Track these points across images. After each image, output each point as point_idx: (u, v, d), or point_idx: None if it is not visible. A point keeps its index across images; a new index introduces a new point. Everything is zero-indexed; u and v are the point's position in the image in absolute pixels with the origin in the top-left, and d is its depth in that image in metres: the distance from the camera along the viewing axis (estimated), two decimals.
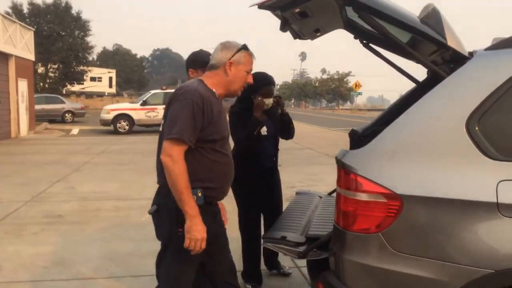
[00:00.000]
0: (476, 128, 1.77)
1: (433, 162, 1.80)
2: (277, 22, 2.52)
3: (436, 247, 1.75)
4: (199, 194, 2.12)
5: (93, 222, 5.30)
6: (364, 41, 2.87)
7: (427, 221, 1.77)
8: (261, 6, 2.10)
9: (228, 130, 2.35)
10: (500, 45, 1.90)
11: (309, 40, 2.96)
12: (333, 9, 2.24)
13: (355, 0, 1.92)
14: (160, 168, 2.15)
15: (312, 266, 2.23)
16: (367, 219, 1.85)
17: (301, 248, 2.15)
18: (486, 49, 1.94)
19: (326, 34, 3.00)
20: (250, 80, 2.32)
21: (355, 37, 2.90)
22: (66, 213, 5.73)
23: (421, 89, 2.87)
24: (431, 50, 2.43)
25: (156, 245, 2.34)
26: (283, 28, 2.48)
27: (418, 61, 2.81)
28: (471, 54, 2.04)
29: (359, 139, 3.08)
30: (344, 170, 1.93)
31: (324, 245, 2.11)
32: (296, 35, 2.80)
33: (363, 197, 1.85)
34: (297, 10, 2.22)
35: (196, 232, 2.03)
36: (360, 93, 46.50)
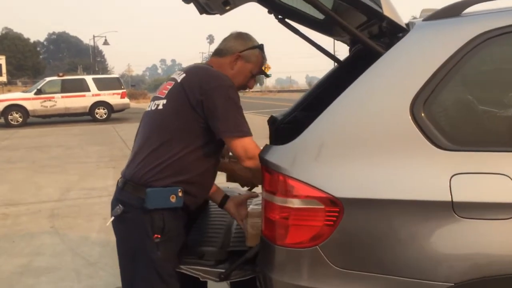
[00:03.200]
0: (422, 113, 1.49)
1: (375, 156, 1.49)
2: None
3: (384, 259, 1.45)
4: (179, 194, 1.79)
5: None
6: (280, 16, 2.53)
7: (372, 228, 1.46)
8: None
9: None
10: (441, 14, 1.62)
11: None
12: None
13: None
14: (134, 157, 1.85)
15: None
16: (301, 230, 1.50)
17: (221, 267, 1.75)
18: (426, 20, 1.66)
19: (236, 8, 2.58)
20: (251, 85, 2.08)
21: (269, 12, 2.54)
22: None
23: (346, 70, 2.59)
24: (358, 23, 2.13)
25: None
26: None
27: (344, 34, 2.54)
28: (408, 26, 1.75)
29: (279, 127, 2.75)
30: (269, 170, 1.55)
31: (251, 261, 1.74)
32: (202, 9, 2.36)
33: (294, 203, 1.49)
34: None
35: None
36: (269, 75, 47.00)
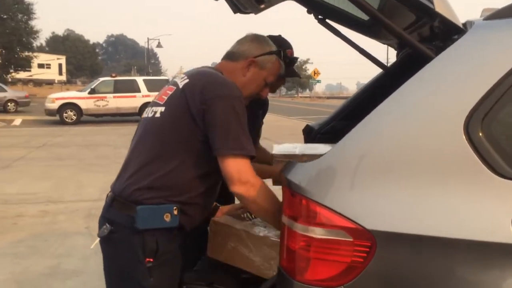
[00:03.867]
0: (480, 132, 1.21)
1: (419, 182, 1.23)
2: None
3: None
4: (175, 213, 1.57)
5: (9, 232, 4.50)
6: (320, 16, 2.30)
7: (412, 272, 1.20)
8: None
9: None
10: (507, 13, 1.34)
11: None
12: None
13: None
14: (125, 170, 1.64)
15: None
16: (324, 265, 1.27)
17: None
18: (487, 19, 1.38)
19: (272, 6, 2.37)
20: (265, 94, 1.86)
21: (309, 12, 2.32)
22: None
23: (391, 77, 2.32)
24: (407, 23, 1.87)
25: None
26: None
27: (390, 37, 2.27)
28: (465, 26, 1.48)
29: (316, 138, 2.51)
30: (291, 192, 1.33)
31: None
32: (236, 8, 2.18)
33: (317, 232, 1.26)
34: None
35: None
36: (319, 81, 46.35)
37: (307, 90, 76.16)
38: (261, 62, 1.74)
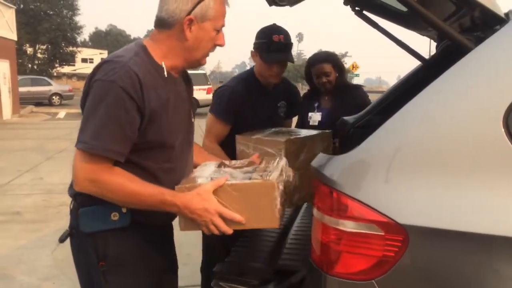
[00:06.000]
0: None
1: (454, 176, 1.20)
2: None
3: None
4: (123, 211, 1.44)
5: (53, 221, 4.70)
6: (357, 8, 2.26)
7: (445, 265, 1.17)
8: None
9: (185, 131, 1.60)
10: None
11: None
12: None
13: None
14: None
15: None
16: (355, 259, 1.26)
17: None
18: None
19: None
20: (221, 41, 1.51)
21: (345, 3, 2.28)
22: (25, 210, 5.13)
23: (430, 70, 2.26)
24: (446, 13, 1.81)
25: None
26: None
27: (430, 28, 2.20)
28: (507, 15, 1.42)
29: (350, 132, 2.48)
30: (322, 185, 1.32)
31: (296, 286, 1.52)
32: (271, 1, 2.17)
33: (348, 226, 1.25)
34: None
35: (196, 207, 1.36)
36: (357, 75, 45.36)
37: None
38: (199, 14, 1.41)
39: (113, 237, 1.45)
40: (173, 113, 1.49)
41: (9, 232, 4.35)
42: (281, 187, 1.45)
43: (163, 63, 1.46)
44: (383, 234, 1.21)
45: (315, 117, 2.71)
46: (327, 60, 2.72)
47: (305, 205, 2.28)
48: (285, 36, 2.33)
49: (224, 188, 1.39)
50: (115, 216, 1.44)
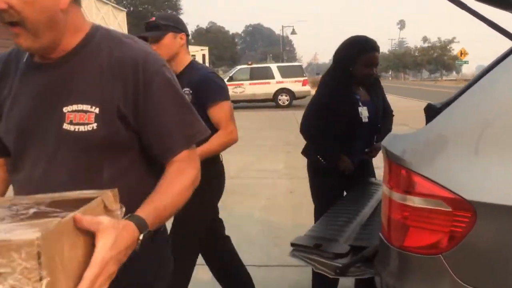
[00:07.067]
0: None
1: None
2: None
3: None
4: None
5: None
6: None
7: None
8: None
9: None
10: None
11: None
12: None
13: None
14: None
15: (359, 286, 1.70)
16: (422, 234, 1.30)
17: (340, 261, 1.64)
18: None
19: None
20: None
21: None
22: None
23: None
24: None
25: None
26: None
27: None
28: None
29: (435, 116, 2.42)
30: (391, 163, 1.38)
31: (369, 260, 1.58)
32: None
33: (415, 201, 1.29)
34: None
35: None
36: (466, 62, 42.09)
37: (453, 72, 70.17)
38: None
39: None
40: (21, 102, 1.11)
41: None
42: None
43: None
44: (450, 210, 1.24)
45: (365, 112, 2.45)
46: (378, 49, 2.47)
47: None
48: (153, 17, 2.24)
49: None
50: None
